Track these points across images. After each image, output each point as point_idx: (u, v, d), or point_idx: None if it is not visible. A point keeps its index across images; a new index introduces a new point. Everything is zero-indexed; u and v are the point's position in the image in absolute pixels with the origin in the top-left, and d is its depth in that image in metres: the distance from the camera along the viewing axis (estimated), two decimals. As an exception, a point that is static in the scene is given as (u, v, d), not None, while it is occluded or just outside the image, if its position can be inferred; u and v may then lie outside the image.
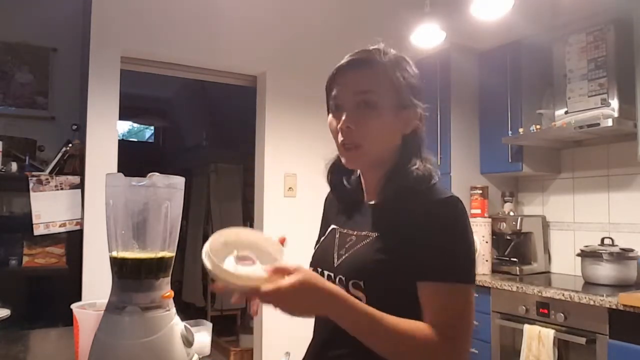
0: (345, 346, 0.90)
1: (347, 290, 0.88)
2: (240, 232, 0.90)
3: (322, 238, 1.08)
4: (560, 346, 2.23)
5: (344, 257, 0.97)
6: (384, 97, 0.93)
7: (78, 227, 2.53)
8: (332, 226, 1.07)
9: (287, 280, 0.77)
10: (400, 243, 0.90)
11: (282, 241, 0.93)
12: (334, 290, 0.81)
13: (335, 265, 0.98)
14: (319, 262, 1.04)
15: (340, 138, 0.95)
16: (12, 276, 2.48)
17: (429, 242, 0.87)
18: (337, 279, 0.95)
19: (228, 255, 0.84)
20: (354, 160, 0.97)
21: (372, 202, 1.01)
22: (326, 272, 0.99)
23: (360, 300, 0.86)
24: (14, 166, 2.53)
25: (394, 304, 0.85)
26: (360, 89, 0.93)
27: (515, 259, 2.91)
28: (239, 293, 0.81)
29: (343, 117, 0.93)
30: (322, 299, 0.79)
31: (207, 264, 0.78)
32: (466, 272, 0.88)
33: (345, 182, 1.07)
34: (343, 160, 0.98)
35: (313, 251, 1.09)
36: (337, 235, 1.03)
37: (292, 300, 0.77)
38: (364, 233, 0.97)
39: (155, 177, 0.90)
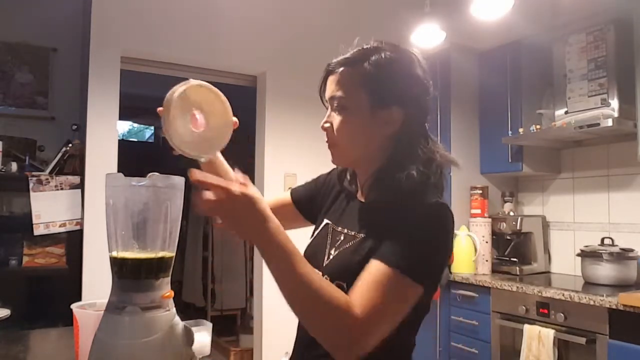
0: None
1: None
2: (200, 91, 0.97)
3: (316, 233, 1.09)
4: (560, 346, 2.23)
5: (332, 256, 0.99)
6: (353, 99, 0.95)
7: (78, 227, 2.53)
8: (326, 221, 1.08)
9: (237, 186, 0.77)
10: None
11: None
12: (270, 219, 0.80)
13: (324, 264, 0.99)
14: (310, 258, 1.03)
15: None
16: (12, 276, 2.48)
17: (397, 233, 0.87)
18: (325, 278, 0.95)
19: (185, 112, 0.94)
20: (334, 157, 1.01)
21: (362, 201, 1.02)
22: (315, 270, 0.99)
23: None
24: (14, 166, 2.53)
25: None
26: (332, 93, 0.97)
27: (515, 259, 2.91)
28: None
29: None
30: (256, 220, 0.79)
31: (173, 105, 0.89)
32: (418, 269, 0.84)
33: (347, 178, 1.09)
34: None
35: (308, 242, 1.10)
36: (330, 232, 1.04)
37: (233, 208, 0.77)
38: (352, 233, 0.99)
39: (155, 177, 0.90)
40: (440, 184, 0.96)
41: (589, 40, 2.60)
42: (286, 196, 1.23)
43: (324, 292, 0.80)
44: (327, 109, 1.01)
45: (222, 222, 0.79)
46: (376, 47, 0.98)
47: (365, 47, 0.98)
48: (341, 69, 0.97)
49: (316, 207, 1.16)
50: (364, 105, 0.95)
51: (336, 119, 0.97)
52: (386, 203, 0.94)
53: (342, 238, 1.00)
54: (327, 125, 0.98)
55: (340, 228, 1.03)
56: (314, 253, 1.04)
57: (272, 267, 0.82)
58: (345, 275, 0.92)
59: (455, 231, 2.97)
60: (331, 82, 0.98)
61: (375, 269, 0.85)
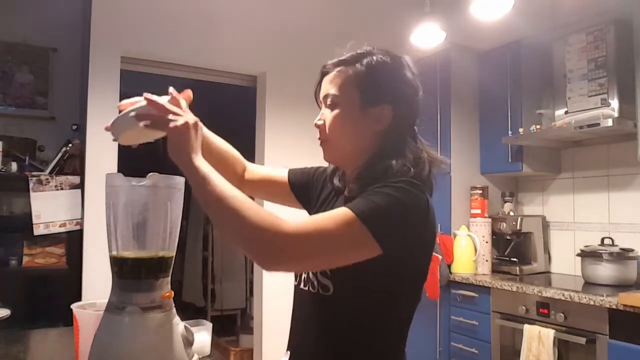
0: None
1: (316, 278, 0.96)
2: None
3: None
4: (560, 346, 2.23)
5: None
6: (345, 97, 1.00)
7: (78, 227, 2.53)
8: None
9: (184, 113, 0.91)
10: None
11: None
12: (197, 151, 0.89)
13: None
14: None
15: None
16: (12, 276, 2.48)
17: (368, 190, 0.89)
18: (315, 272, 0.98)
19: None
20: (325, 153, 1.05)
21: (345, 196, 1.05)
22: None
23: (328, 288, 0.94)
24: (14, 166, 2.53)
25: (362, 294, 0.92)
26: (326, 91, 1.02)
27: (515, 259, 2.91)
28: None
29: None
30: (187, 147, 0.88)
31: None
32: (377, 223, 0.84)
33: (336, 177, 1.12)
34: None
35: None
36: None
37: (172, 129, 0.87)
38: None
39: (155, 177, 0.91)
40: (427, 182, 0.98)
41: (589, 40, 2.60)
42: (282, 174, 1.26)
43: (244, 206, 0.83)
44: (320, 109, 1.05)
45: (163, 125, 0.89)
46: (369, 51, 1.03)
47: (358, 51, 1.03)
48: (335, 69, 1.02)
49: (309, 195, 1.20)
50: (356, 102, 0.99)
51: (329, 115, 1.01)
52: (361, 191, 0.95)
53: None
54: (320, 122, 1.03)
55: None
56: None
57: (197, 188, 0.87)
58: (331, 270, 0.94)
59: (455, 231, 2.97)
60: (325, 82, 1.03)
61: (338, 210, 0.87)
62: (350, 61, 1.01)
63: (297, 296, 1.06)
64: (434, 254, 2.86)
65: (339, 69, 1.01)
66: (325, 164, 1.17)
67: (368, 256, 0.85)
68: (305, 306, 1.02)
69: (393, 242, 0.86)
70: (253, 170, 1.26)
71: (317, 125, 1.04)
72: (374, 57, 1.01)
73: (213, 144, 1.15)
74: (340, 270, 0.90)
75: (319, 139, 1.04)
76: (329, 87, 1.02)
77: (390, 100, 0.99)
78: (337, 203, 1.08)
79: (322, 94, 1.04)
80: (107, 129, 0.95)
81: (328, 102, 1.01)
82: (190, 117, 0.91)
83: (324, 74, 1.05)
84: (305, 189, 1.22)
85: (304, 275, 1.03)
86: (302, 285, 1.03)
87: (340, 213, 0.85)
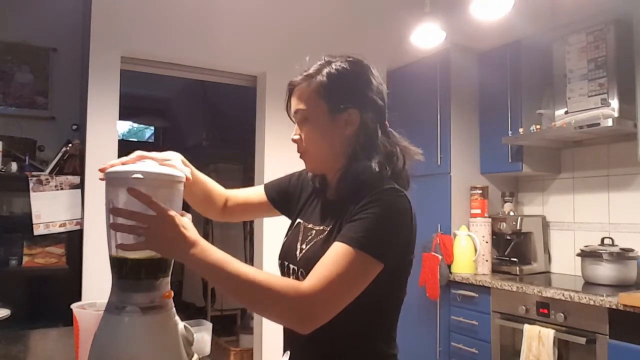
0: None
1: None
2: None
3: (289, 232, 1.17)
4: (560, 346, 2.23)
5: (304, 250, 1.06)
6: (313, 109, 1.05)
7: (78, 227, 2.53)
8: (298, 220, 1.16)
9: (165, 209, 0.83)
10: None
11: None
12: (196, 244, 0.85)
13: (298, 258, 1.07)
14: (285, 255, 1.12)
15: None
16: (12, 276, 2.48)
17: (353, 217, 0.95)
18: (300, 272, 1.03)
19: None
20: (307, 165, 1.11)
21: (329, 199, 1.12)
22: (291, 266, 1.07)
23: None
24: (14, 166, 2.53)
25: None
26: (295, 107, 1.08)
27: (515, 259, 2.91)
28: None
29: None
30: (182, 243, 0.84)
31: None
32: (374, 245, 0.91)
33: (317, 179, 1.17)
34: None
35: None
36: (301, 229, 1.12)
37: (160, 228, 0.82)
38: (321, 227, 1.07)
39: (156, 176, 0.90)
40: (402, 174, 1.05)
41: (589, 40, 2.60)
42: (260, 193, 1.29)
43: (261, 282, 0.86)
44: (294, 123, 1.10)
45: (145, 242, 0.82)
46: (328, 60, 1.08)
47: (319, 62, 1.08)
48: (299, 85, 1.07)
49: (289, 203, 1.24)
50: (323, 112, 1.04)
51: (303, 129, 1.07)
52: (348, 196, 1.01)
53: (312, 234, 1.08)
54: (297, 137, 1.08)
55: (310, 225, 1.11)
56: (287, 250, 1.12)
57: (208, 279, 0.90)
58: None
59: (455, 231, 2.97)
60: (294, 98, 1.08)
61: (332, 248, 0.92)
62: (312, 74, 1.06)
63: None
64: (433, 253, 2.88)
65: (303, 84, 1.06)
66: (301, 169, 1.22)
67: (375, 275, 0.92)
68: None
69: (390, 254, 0.94)
70: (233, 198, 1.29)
71: (294, 140, 1.09)
72: (333, 66, 1.05)
73: (195, 183, 1.15)
74: None
75: (298, 151, 1.09)
76: (296, 103, 1.07)
77: (355, 103, 1.04)
78: (319, 205, 1.13)
79: (292, 110, 1.09)
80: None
81: (299, 117, 1.07)
82: (166, 214, 0.83)
83: (290, 90, 1.09)
84: (284, 200, 1.26)
85: (292, 277, 1.06)
86: None
87: (340, 252, 0.90)
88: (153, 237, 0.82)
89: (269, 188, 1.29)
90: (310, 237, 1.07)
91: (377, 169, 1.00)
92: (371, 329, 1.01)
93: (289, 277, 1.07)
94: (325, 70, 1.05)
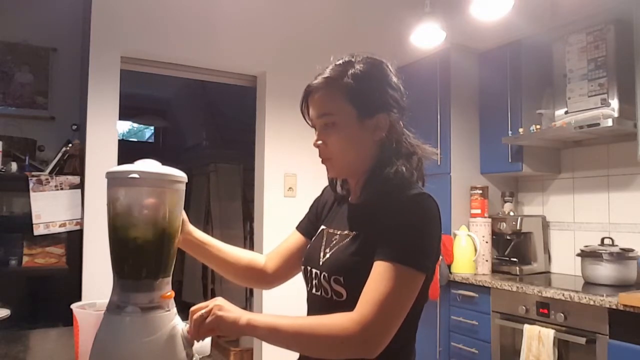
0: None
1: (330, 285, 0.99)
2: None
3: (313, 238, 1.14)
4: (560, 346, 2.23)
5: (328, 255, 1.04)
6: (341, 115, 1.00)
7: (78, 227, 2.53)
8: (322, 227, 1.14)
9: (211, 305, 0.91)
10: (373, 240, 0.95)
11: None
12: (240, 317, 0.90)
13: (321, 263, 1.05)
14: (308, 260, 1.10)
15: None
16: (12, 276, 2.48)
17: (388, 230, 0.93)
18: (322, 276, 1.02)
19: None
20: (330, 170, 1.07)
21: (354, 203, 1.09)
22: (313, 270, 1.05)
23: (342, 294, 0.97)
24: (14, 166, 2.53)
25: None
26: (320, 113, 1.03)
27: (515, 259, 2.91)
28: None
29: (315, 136, 1.06)
30: (233, 323, 0.90)
31: None
32: (417, 257, 0.91)
33: (338, 185, 1.15)
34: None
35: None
36: (325, 235, 1.10)
37: (213, 321, 0.89)
38: (345, 232, 1.05)
39: (156, 175, 0.90)
40: (422, 176, 1.05)
41: (589, 40, 2.60)
42: (296, 238, 1.24)
43: (314, 329, 0.88)
44: (310, 126, 1.07)
45: (208, 331, 0.90)
46: (349, 60, 1.03)
47: (340, 62, 1.04)
48: (323, 88, 1.02)
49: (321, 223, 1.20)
50: (353, 117, 1.00)
51: (328, 135, 1.02)
52: (376, 200, 1.00)
53: (337, 238, 1.06)
54: (320, 142, 1.04)
55: (333, 230, 1.09)
56: (310, 255, 1.10)
57: (264, 339, 0.93)
58: (342, 270, 0.99)
59: (455, 231, 2.97)
60: (315, 101, 1.03)
61: (376, 269, 0.90)
62: (336, 77, 1.01)
63: (310, 301, 1.09)
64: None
65: (327, 87, 1.01)
66: (318, 190, 1.22)
67: (420, 286, 0.93)
68: (319, 311, 1.02)
69: (429, 263, 0.94)
70: (272, 259, 1.23)
71: (316, 146, 1.05)
72: (358, 67, 1.01)
73: (235, 263, 1.18)
74: (354, 278, 0.94)
75: (321, 157, 1.05)
76: (321, 107, 1.02)
77: (384, 108, 1.02)
78: (342, 210, 1.11)
79: (314, 114, 1.04)
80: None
81: (323, 122, 1.02)
82: (210, 304, 0.92)
83: (310, 93, 1.04)
84: (318, 226, 1.20)
85: (314, 281, 1.05)
86: (314, 291, 1.06)
87: (382, 272, 0.89)
88: (209, 325, 0.90)
89: (302, 227, 1.24)
90: (334, 242, 1.05)
91: (406, 173, 0.99)
92: (397, 339, 0.94)
93: (311, 281, 1.06)
94: (351, 72, 1.01)
